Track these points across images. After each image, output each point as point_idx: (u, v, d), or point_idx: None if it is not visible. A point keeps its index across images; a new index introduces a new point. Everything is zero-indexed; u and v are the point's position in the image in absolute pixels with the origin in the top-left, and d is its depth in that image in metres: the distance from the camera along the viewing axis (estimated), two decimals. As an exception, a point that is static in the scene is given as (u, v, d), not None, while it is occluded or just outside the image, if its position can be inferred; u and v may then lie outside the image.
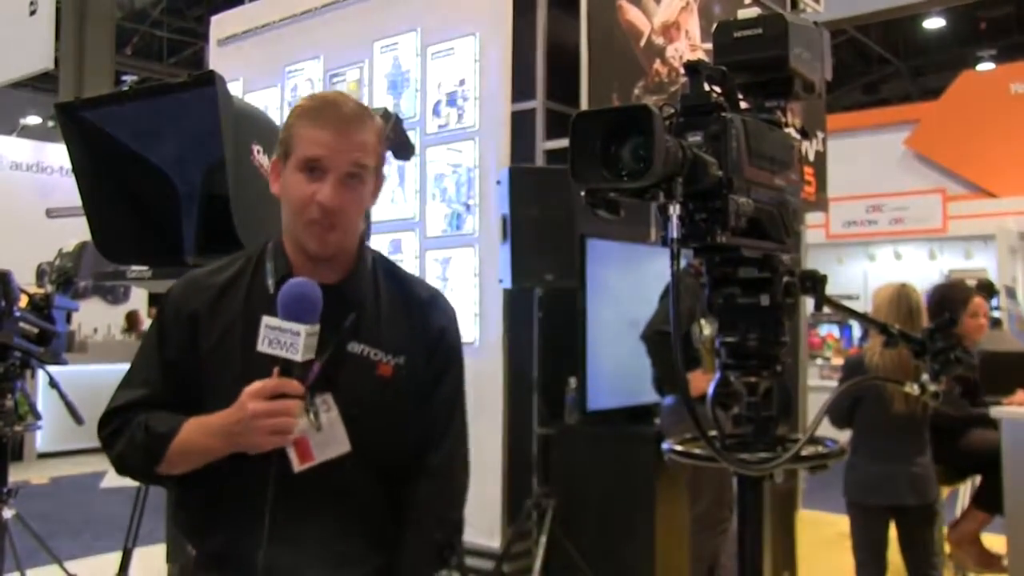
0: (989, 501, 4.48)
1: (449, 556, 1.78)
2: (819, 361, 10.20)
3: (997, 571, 4.58)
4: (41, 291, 4.13)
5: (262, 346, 1.55)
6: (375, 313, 1.74)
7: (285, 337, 1.54)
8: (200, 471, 1.67)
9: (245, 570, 1.65)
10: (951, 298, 4.46)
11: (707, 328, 1.60)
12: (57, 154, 12.43)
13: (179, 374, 1.72)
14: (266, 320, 1.56)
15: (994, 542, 4.68)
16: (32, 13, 6.12)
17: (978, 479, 4.73)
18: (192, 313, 1.72)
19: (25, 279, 4.44)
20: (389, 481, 1.74)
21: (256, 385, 1.55)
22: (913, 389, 1.68)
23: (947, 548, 4.61)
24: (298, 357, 1.53)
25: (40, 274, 4.44)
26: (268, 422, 1.54)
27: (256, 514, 1.62)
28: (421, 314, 1.79)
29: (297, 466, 1.64)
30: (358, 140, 1.65)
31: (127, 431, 1.69)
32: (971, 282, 5.29)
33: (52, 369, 4.02)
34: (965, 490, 5.04)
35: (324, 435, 1.64)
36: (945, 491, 4.69)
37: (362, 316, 1.72)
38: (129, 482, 3.90)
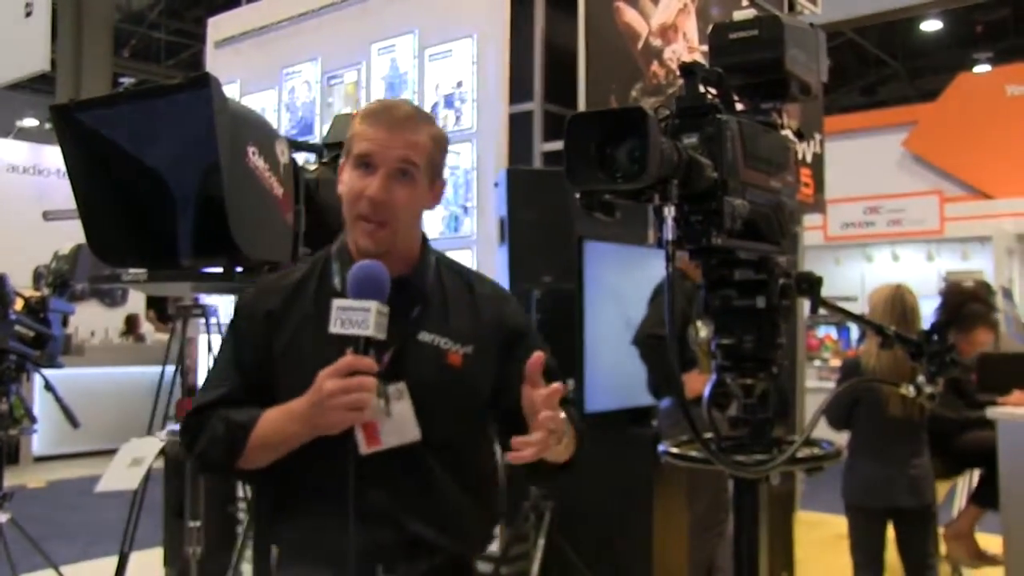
0: (986, 496, 4.48)
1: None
2: (817, 363, 10.21)
3: (990, 565, 4.59)
4: (37, 294, 4.13)
5: (334, 327, 1.58)
6: (442, 304, 1.80)
7: (356, 315, 1.57)
8: (280, 462, 1.72)
9: (329, 557, 1.69)
10: (964, 314, 4.40)
11: (703, 330, 1.60)
12: (54, 156, 12.40)
13: (255, 375, 1.78)
14: (336, 302, 1.60)
15: (990, 542, 4.68)
16: (28, 15, 6.11)
17: (975, 475, 4.73)
18: (267, 312, 1.79)
19: (22, 282, 4.43)
20: (460, 469, 1.78)
21: (330, 367, 1.59)
22: (909, 391, 1.68)
23: (943, 548, 4.61)
24: (370, 332, 1.56)
25: (36, 277, 4.44)
26: (344, 399, 1.57)
27: (337, 501, 1.65)
28: (493, 309, 1.85)
29: (364, 449, 1.67)
30: (408, 139, 1.72)
31: (208, 429, 1.74)
32: (968, 284, 5.25)
33: (48, 372, 4.02)
34: (961, 489, 5.04)
35: (394, 421, 1.68)
36: (942, 489, 4.69)
37: (429, 307, 1.78)
38: (125, 486, 3.90)
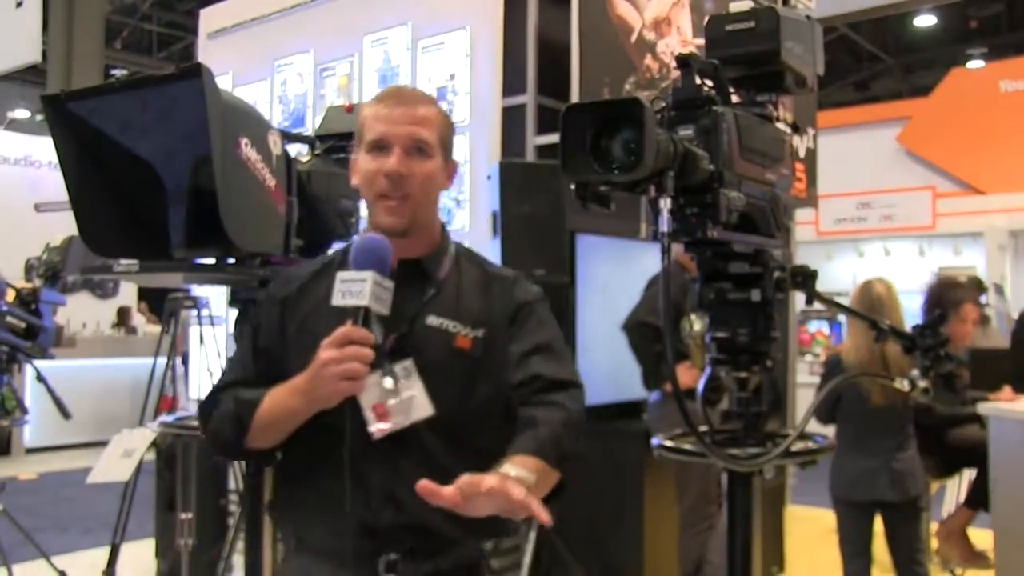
0: (978, 498, 4.49)
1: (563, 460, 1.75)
2: (808, 358, 10.22)
3: (982, 567, 4.60)
4: (29, 286, 4.12)
5: (335, 300, 1.60)
6: (455, 288, 1.80)
7: (355, 286, 1.59)
8: (286, 447, 1.74)
9: (330, 549, 1.69)
10: (943, 299, 4.45)
11: (697, 323, 1.59)
12: (46, 148, 12.33)
13: (270, 358, 1.80)
14: (339, 275, 1.62)
15: (982, 538, 4.69)
16: (18, 5, 6.06)
17: (969, 475, 4.75)
18: (282, 299, 1.83)
19: (14, 274, 4.42)
20: (465, 452, 1.72)
21: (328, 338, 1.59)
22: (903, 385, 1.68)
23: (934, 543, 4.62)
24: (366, 302, 1.57)
25: (28, 268, 4.42)
26: (337, 368, 1.57)
27: (335, 483, 1.65)
28: (503, 289, 1.83)
29: (373, 429, 1.66)
30: (418, 114, 1.74)
31: (220, 406, 1.78)
32: (961, 279, 5.27)
33: (40, 364, 4.01)
34: (955, 486, 5.05)
35: (403, 401, 1.67)
36: (934, 486, 4.70)
37: (442, 291, 1.78)
38: (117, 477, 3.88)
